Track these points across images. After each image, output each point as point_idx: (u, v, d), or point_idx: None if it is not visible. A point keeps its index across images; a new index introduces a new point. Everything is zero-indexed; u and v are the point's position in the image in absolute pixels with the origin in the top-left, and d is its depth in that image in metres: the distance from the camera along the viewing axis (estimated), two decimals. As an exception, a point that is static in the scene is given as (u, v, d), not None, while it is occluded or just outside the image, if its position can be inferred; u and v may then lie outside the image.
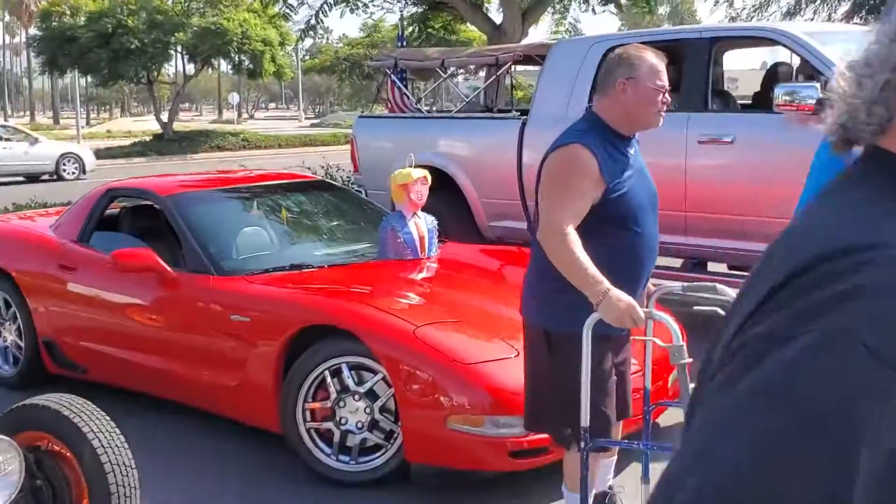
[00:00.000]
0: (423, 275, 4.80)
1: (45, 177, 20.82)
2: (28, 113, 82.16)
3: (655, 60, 2.95)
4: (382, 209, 5.65)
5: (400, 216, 4.82)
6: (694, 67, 6.21)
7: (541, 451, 3.60)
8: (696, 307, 3.18)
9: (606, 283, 2.68)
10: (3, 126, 23.68)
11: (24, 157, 20.74)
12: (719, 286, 3.06)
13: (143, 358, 4.78)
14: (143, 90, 38.55)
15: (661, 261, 6.93)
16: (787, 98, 5.51)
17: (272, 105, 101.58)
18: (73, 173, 20.99)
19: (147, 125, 43.46)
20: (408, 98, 8.90)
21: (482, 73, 9.89)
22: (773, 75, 6.90)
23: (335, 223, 5.38)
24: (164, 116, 32.29)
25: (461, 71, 8.91)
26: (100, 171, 21.68)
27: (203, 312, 4.48)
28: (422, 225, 4.85)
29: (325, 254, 4.93)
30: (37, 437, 3.28)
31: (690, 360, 2.63)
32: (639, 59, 2.94)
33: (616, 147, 2.93)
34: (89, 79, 35.95)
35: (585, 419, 2.79)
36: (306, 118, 67.27)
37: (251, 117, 73.61)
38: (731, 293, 3.06)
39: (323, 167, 11.42)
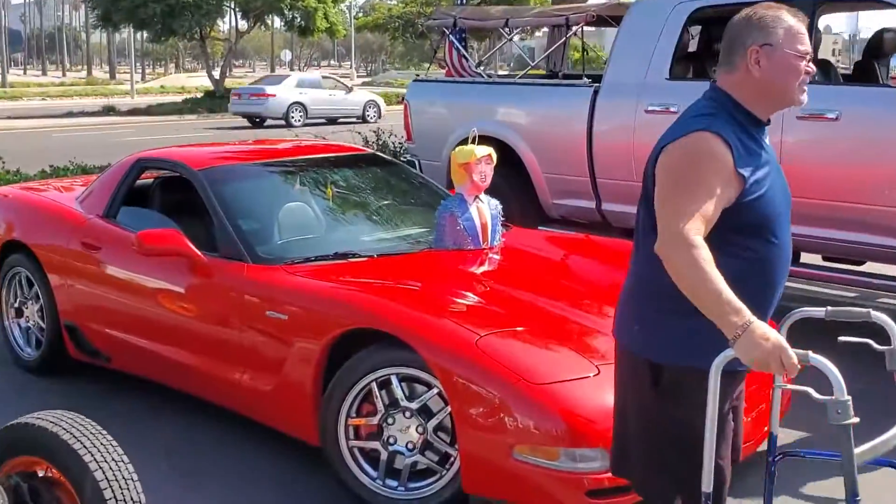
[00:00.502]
0: (486, 268, 4.21)
1: (353, 119, 25.48)
2: (85, 67, 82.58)
3: (794, 21, 2.30)
4: (440, 190, 5.05)
5: (460, 199, 4.23)
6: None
7: (623, 490, 3.02)
8: (841, 338, 2.56)
9: (747, 314, 2.07)
10: (326, 77, 29.09)
11: (343, 103, 26.51)
12: (874, 313, 2.43)
13: (170, 350, 4.29)
14: (196, 46, 38.22)
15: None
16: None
17: (324, 63, 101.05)
18: (373, 117, 26.07)
19: (201, 81, 43.19)
20: (467, 61, 8.26)
21: (539, 34, 9.05)
22: (878, 43, 6.16)
23: (387, 204, 4.78)
24: (217, 73, 31.94)
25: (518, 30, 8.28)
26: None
27: (236, 305, 3.96)
28: (485, 210, 4.26)
29: (374, 240, 4.35)
30: (32, 463, 2.78)
31: (857, 419, 2.02)
32: (774, 20, 2.29)
33: (751, 135, 2.31)
34: (144, 34, 35.71)
35: (708, 483, 2.20)
36: (358, 76, 66.73)
37: (304, 75, 73.10)
38: (890, 322, 2.44)
39: (374, 132, 10.81)
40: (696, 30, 6.74)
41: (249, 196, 4.52)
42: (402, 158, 7.97)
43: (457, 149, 4.26)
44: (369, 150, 5.30)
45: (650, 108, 6.02)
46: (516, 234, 4.62)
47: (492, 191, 7.14)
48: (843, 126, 5.16)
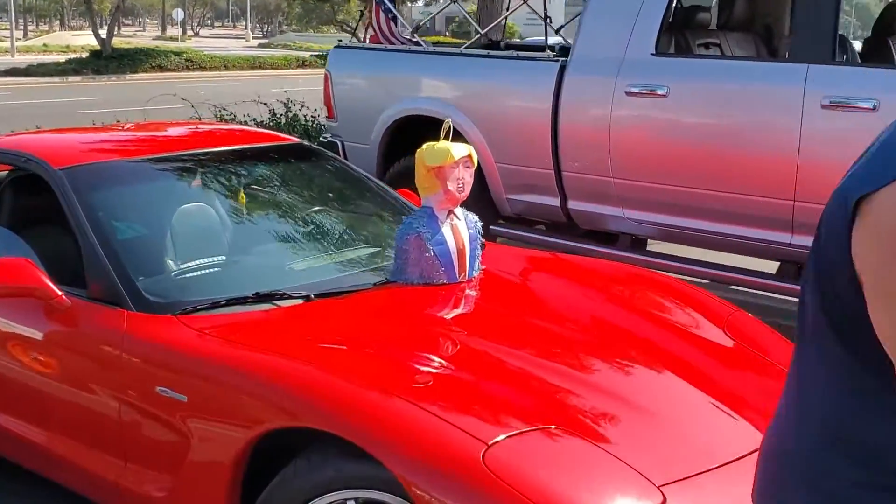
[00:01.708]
0: (470, 315, 3.07)
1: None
2: (-41, 21, 77.23)
3: None
4: (395, 197, 3.86)
5: (429, 216, 3.08)
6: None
7: None
8: None
9: None
10: None
11: None
12: None
13: (23, 425, 3.05)
14: (82, 2, 35.58)
15: (752, 262, 5.31)
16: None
17: (218, 23, 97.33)
18: None
19: (87, 40, 40.39)
20: (397, 25, 7.06)
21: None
22: (891, 18, 5.23)
23: (324, 216, 3.57)
24: (103, 32, 29.67)
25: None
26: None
27: (112, 370, 2.74)
28: (461, 229, 3.13)
29: (310, 271, 3.16)
30: None
31: None
32: None
33: None
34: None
35: None
36: (254, 38, 64.26)
37: (196, 35, 70.01)
38: None
39: (283, 102, 9.45)
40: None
41: (132, 208, 3.28)
42: (321, 139, 6.73)
43: (424, 147, 3.11)
44: (295, 139, 4.05)
45: (632, 90, 4.96)
46: (495, 257, 3.44)
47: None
48: (881, 118, 4.20)
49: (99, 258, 2.92)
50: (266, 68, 31.11)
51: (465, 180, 3.12)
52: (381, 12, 7.06)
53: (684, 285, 3.41)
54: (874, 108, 4.19)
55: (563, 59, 5.32)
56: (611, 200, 5.16)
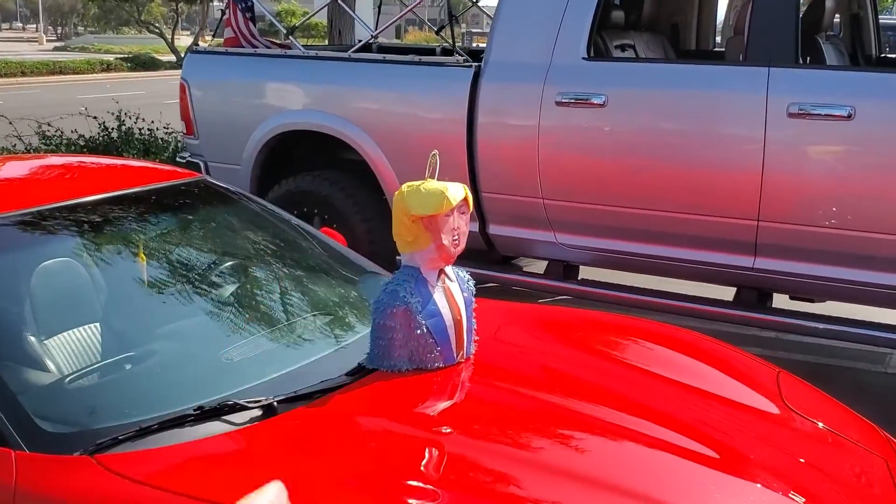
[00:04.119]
0: (487, 413, 2.25)
1: None
2: None
3: None
4: (338, 248, 3.04)
5: (417, 280, 2.32)
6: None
7: None
8: None
9: None
10: None
11: None
12: None
13: None
14: None
15: (709, 289, 4.81)
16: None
17: (6, 25, 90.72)
18: None
19: None
20: (255, 24, 6.18)
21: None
22: (817, 14, 4.87)
23: (255, 279, 2.70)
24: None
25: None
26: None
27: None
28: (456, 294, 2.40)
29: (254, 362, 2.29)
30: None
31: None
32: None
33: None
34: None
35: None
36: (48, 41, 60.15)
37: (-18, 38, 64.80)
38: None
39: (115, 115, 8.25)
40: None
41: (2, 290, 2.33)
42: (179, 159, 5.77)
43: (406, 190, 2.35)
44: (197, 175, 3.16)
45: (563, 99, 4.36)
46: (484, 315, 2.61)
47: (321, 204, 5.25)
48: (857, 128, 3.78)
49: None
50: (68, 73, 28.88)
51: (461, 230, 2.38)
52: (238, 11, 6.17)
53: (716, 344, 2.80)
54: (849, 116, 3.77)
55: (477, 64, 4.66)
56: (540, 224, 4.55)
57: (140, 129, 8.29)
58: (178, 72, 5.87)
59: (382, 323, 2.30)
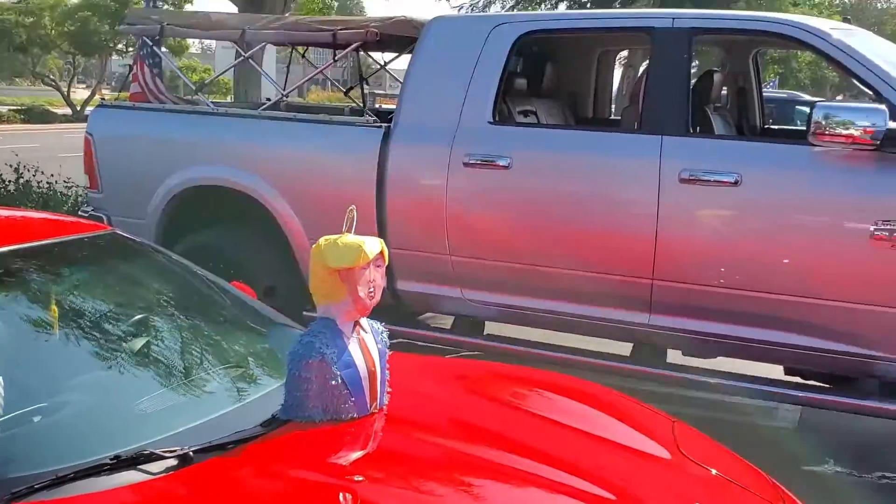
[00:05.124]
0: (401, 466, 2.34)
1: None
2: None
3: None
4: (247, 301, 3.08)
5: (332, 331, 2.39)
6: (667, 68, 4.28)
7: None
8: None
9: None
10: None
11: None
12: None
13: None
14: None
15: (608, 345, 4.98)
16: (833, 125, 3.76)
17: None
18: None
19: None
20: (161, 80, 6.21)
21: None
22: (706, 86, 5.19)
23: (166, 332, 2.72)
24: None
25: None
26: None
27: None
28: (370, 346, 2.47)
29: (169, 413, 2.32)
30: None
31: None
32: None
33: None
34: None
35: None
36: (-66, 90, 58.12)
37: None
38: None
39: (12, 166, 8.07)
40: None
41: None
42: (81, 213, 5.71)
43: (324, 244, 2.43)
44: (107, 227, 3.17)
45: (470, 160, 4.52)
46: (396, 367, 2.69)
47: (224, 259, 5.24)
48: (744, 193, 4.03)
49: None
50: (-37, 123, 28.01)
51: (377, 283, 2.47)
52: (145, 66, 6.20)
53: (614, 395, 2.95)
54: (736, 183, 4.02)
55: (386, 124, 4.79)
56: (447, 280, 4.67)
57: (38, 182, 8.14)
58: (74, 125, 5.87)
59: (298, 374, 2.36)
